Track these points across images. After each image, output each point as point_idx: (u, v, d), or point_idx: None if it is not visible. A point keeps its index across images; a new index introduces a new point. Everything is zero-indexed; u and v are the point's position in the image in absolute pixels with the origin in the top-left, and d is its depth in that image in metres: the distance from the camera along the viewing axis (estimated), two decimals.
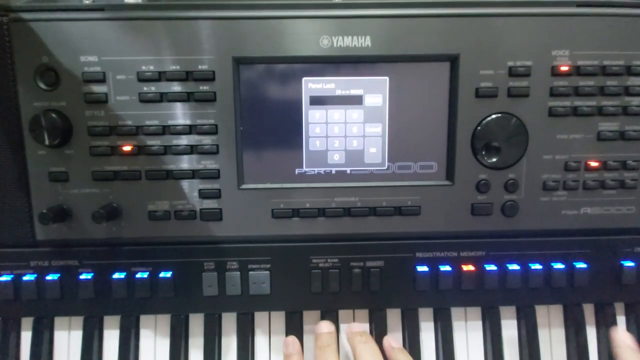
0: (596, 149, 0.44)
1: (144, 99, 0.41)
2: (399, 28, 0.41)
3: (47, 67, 0.41)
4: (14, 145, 0.42)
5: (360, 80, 0.43)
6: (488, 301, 0.47)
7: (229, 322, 0.47)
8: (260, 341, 0.47)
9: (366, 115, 0.44)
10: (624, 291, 0.47)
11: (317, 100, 0.43)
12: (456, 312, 0.48)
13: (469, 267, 0.45)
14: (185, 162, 0.43)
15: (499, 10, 0.42)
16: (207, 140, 0.42)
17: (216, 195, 0.43)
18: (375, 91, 0.43)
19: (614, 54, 0.42)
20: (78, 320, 0.46)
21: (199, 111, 0.42)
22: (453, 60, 0.42)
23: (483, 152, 0.43)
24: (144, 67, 0.41)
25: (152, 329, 0.47)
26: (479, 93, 0.42)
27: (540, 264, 0.46)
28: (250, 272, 0.45)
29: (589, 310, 0.48)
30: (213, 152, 0.43)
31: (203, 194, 0.43)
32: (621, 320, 0.48)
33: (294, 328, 0.46)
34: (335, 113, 0.43)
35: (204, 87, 0.41)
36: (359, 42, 0.41)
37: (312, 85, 0.43)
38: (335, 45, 0.41)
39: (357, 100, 0.43)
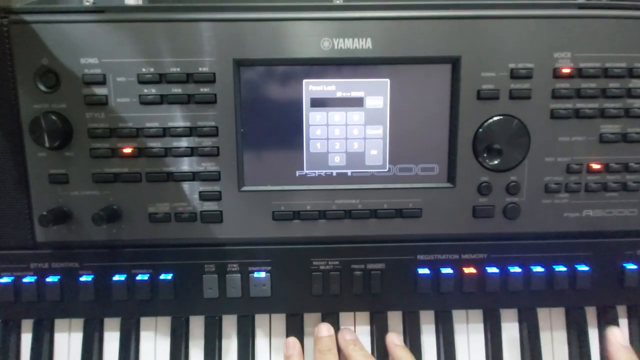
0: (598, 151, 0.43)
1: (145, 101, 0.41)
2: (400, 30, 0.41)
3: (47, 69, 0.41)
4: (14, 147, 0.42)
5: (361, 82, 0.43)
6: (489, 304, 0.47)
7: (230, 325, 0.47)
8: (261, 343, 0.47)
9: (367, 118, 0.43)
10: (626, 294, 0.46)
11: (318, 102, 0.43)
12: (457, 314, 0.47)
13: (470, 270, 0.45)
14: (186, 164, 0.43)
15: (501, 13, 0.41)
16: (207, 142, 0.42)
17: (217, 197, 0.43)
18: (376, 93, 0.43)
19: (616, 56, 0.42)
20: (78, 322, 0.46)
21: (199, 113, 0.42)
22: (454, 63, 0.42)
23: (485, 155, 0.43)
24: (144, 69, 0.41)
25: (153, 331, 0.47)
26: (480, 95, 0.42)
27: (542, 267, 0.45)
28: (251, 275, 0.45)
29: (591, 313, 0.48)
30: (213, 154, 0.42)
31: (203, 196, 0.43)
32: (623, 322, 0.48)
33: (295, 330, 0.46)
34: (336, 115, 0.43)
35: (205, 89, 0.41)
36: (360, 44, 0.41)
37: (312, 87, 0.43)
38: (336, 47, 0.41)
39: (358, 103, 0.43)
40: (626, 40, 0.42)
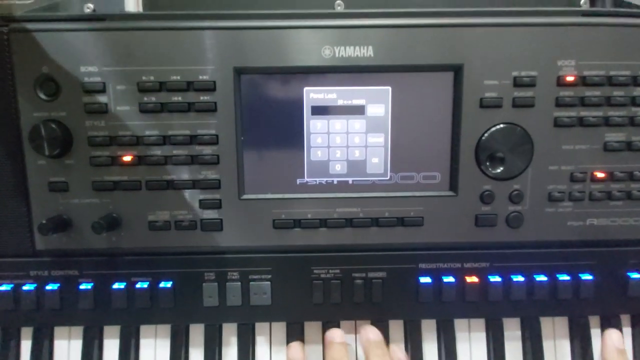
0: (602, 160, 0.43)
1: (145, 109, 0.41)
2: (402, 38, 0.41)
3: (47, 77, 0.41)
4: (14, 155, 0.42)
5: (362, 90, 0.42)
6: (492, 313, 0.46)
7: (230, 333, 0.46)
8: (261, 352, 0.47)
9: (368, 125, 0.43)
10: (630, 303, 0.46)
11: (319, 110, 0.43)
12: (459, 323, 0.47)
13: (472, 279, 0.45)
14: (186, 173, 0.42)
15: (504, 20, 0.41)
16: (207, 150, 0.42)
17: (217, 205, 0.43)
18: (377, 101, 0.43)
19: (620, 64, 0.42)
20: (78, 330, 0.46)
21: (199, 121, 0.42)
22: (457, 70, 0.42)
23: (487, 163, 0.43)
24: (144, 78, 0.41)
25: (152, 339, 0.46)
26: (483, 103, 0.42)
27: (546, 276, 0.45)
28: (251, 283, 0.44)
29: (594, 322, 0.47)
30: (214, 162, 0.42)
31: (204, 204, 0.43)
32: (627, 332, 0.48)
33: (295, 339, 0.46)
34: (337, 123, 0.43)
35: (205, 98, 0.41)
36: (361, 52, 0.41)
37: (313, 95, 0.42)
38: (337, 55, 0.41)
39: (359, 110, 0.43)
40: (631, 48, 0.42)
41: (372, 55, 0.41)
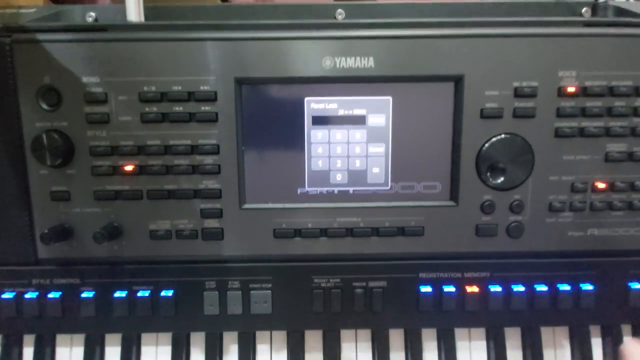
0: (603, 170, 0.43)
1: (146, 119, 0.41)
2: (402, 48, 0.41)
3: (49, 87, 0.41)
4: (16, 165, 0.42)
5: (363, 100, 0.43)
6: (492, 322, 0.46)
7: (231, 341, 0.47)
8: None
9: (369, 135, 0.43)
10: (631, 313, 0.46)
11: (320, 120, 0.43)
12: (460, 332, 0.47)
13: (473, 289, 0.45)
14: (187, 182, 0.42)
15: (504, 31, 0.41)
16: (208, 160, 0.42)
17: (218, 215, 0.43)
18: (378, 111, 0.43)
19: (621, 74, 0.42)
20: (79, 338, 0.46)
21: (200, 131, 0.42)
22: (457, 81, 0.42)
23: (488, 173, 0.43)
24: (145, 88, 0.41)
25: (154, 346, 0.47)
26: (483, 114, 0.42)
27: (546, 286, 0.45)
28: (252, 292, 0.45)
29: (595, 332, 0.47)
30: (215, 172, 0.42)
31: (205, 214, 0.43)
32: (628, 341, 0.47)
33: (296, 348, 0.46)
34: (338, 133, 0.43)
35: (206, 108, 0.41)
36: (362, 63, 0.41)
37: (314, 105, 0.43)
38: (338, 66, 0.41)
39: (360, 120, 0.43)
40: (632, 59, 0.41)
41: (372, 66, 0.41)
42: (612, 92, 0.42)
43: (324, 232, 0.44)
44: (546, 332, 0.47)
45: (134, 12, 0.46)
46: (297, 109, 0.42)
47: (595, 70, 0.41)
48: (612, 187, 0.43)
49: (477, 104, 0.42)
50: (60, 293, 0.44)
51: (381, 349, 0.46)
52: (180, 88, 0.41)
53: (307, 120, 0.43)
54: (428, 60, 0.41)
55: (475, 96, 0.41)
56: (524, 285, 0.45)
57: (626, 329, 0.47)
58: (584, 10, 0.52)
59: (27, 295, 0.44)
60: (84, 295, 0.44)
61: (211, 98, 0.41)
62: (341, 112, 0.43)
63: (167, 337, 0.46)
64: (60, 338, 0.46)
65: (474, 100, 0.42)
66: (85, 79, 0.41)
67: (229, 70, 0.41)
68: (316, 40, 0.41)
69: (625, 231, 0.44)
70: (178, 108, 0.41)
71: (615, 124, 0.42)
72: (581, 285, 0.45)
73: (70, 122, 0.41)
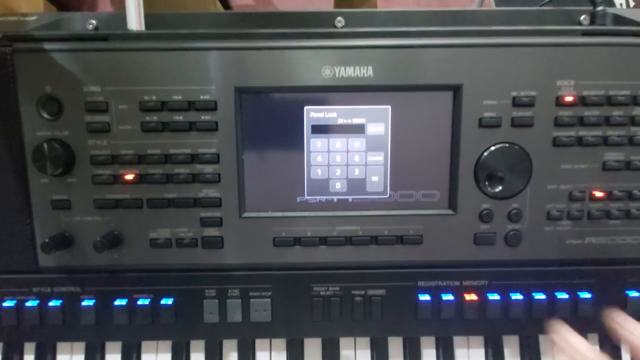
0: (601, 179, 0.43)
1: (147, 129, 0.41)
2: (401, 58, 0.41)
3: (50, 96, 0.41)
4: (17, 174, 0.42)
5: (362, 109, 0.43)
6: (491, 330, 0.46)
7: (230, 349, 0.47)
8: None
9: (368, 144, 0.43)
10: None
11: (319, 129, 0.43)
12: (458, 339, 0.47)
13: (471, 297, 0.45)
14: (187, 191, 0.43)
15: (503, 41, 0.41)
16: (209, 169, 0.42)
17: (218, 223, 0.43)
18: (377, 120, 0.43)
19: (619, 83, 0.42)
20: (80, 346, 0.46)
21: (201, 140, 0.42)
22: (456, 90, 0.42)
23: (486, 182, 0.43)
24: (146, 97, 0.41)
25: (154, 354, 0.47)
26: (482, 123, 0.42)
27: (544, 294, 0.45)
28: (252, 300, 0.45)
29: (593, 340, 0.47)
30: (215, 180, 0.43)
31: (204, 222, 0.43)
32: (626, 347, 0.48)
33: (295, 355, 0.46)
34: (337, 142, 0.43)
35: (206, 117, 0.42)
36: (361, 72, 0.41)
37: (313, 114, 0.43)
38: (337, 75, 0.41)
39: (359, 129, 0.43)
40: (630, 68, 0.42)
41: (371, 75, 0.41)
42: (609, 101, 0.42)
43: (323, 241, 0.44)
44: (545, 340, 0.47)
45: (135, 20, 0.47)
46: (297, 117, 0.43)
47: (593, 79, 0.42)
48: (609, 196, 0.43)
49: (476, 113, 0.42)
50: (60, 301, 0.44)
51: (380, 357, 0.46)
52: (180, 97, 0.41)
53: (307, 129, 0.43)
54: (426, 69, 0.41)
55: (473, 105, 0.42)
56: (522, 294, 0.45)
57: None
58: (582, 17, 0.52)
59: (28, 304, 0.44)
60: (84, 303, 0.44)
61: (211, 107, 0.41)
62: (340, 121, 0.43)
63: (167, 345, 0.46)
64: (60, 346, 0.46)
65: (472, 109, 0.42)
66: (86, 88, 0.41)
67: (229, 80, 0.41)
68: (316, 50, 0.41)
69: (622, 239, 0.44)
70: (178, 117, 0.42)
71: (613, 133, 0.42)
72: (579, 293, 0.45)
73: (71, 131, 0.41)
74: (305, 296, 0.45)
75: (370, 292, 0.45)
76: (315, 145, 0.43)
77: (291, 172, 0.43)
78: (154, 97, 0.41)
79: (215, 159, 0.42)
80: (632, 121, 0.42)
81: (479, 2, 1.50)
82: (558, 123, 0.42)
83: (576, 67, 0.41)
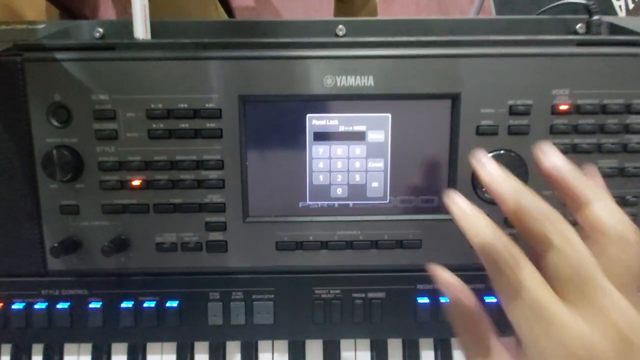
0: None
1: (153, 136, 0.43)
2: (401, 68, 0.42)
3: (59, 104, 0.42)
4: (27, 179, 0.43)
5: (363, 117, 0.44)
6: None
7: (234, 350, 0.48)
8: None
9: (369, 151, 0.44)
10: None
11: (321, 136, 0.44)
12: (456, 341, 0.48)
13: None
14: (192, 196, 0.44)
15: (500, 50, 0.42)
16: (213, 175, 0.44)
17: (222, 228, 0.44)
18: (377, 127, 0.44)
19: (614, 92, 0.43)
20: (87, 347, 0.47)
21: (205, 147, 0.43)
22: (454, 99, 0.43)
23: (483, 188, 0.44)
24: (153, 105, 0.42)
25: (159, 355, 0.48)
26: (479, 131, 0.43)
27: None
28: (255, 302, 0.46)
29: None
30: (219, 186, 0.44)
31: (209, 227, 0.44)
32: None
33: (297, 356, 0.47)
34: (339, 148, 0.44)
35: (211, 125, 0.43)
36: (362, 82, 0.42)
37: (315, 121, 0.44)
38: (339, 84, 0.42)
39: (360, 136, 0.44)
40: (624, 77, 0.43)
41: (372, 84, 0.43)
42: (604, 109, 0.43)
43: (324, 245, 0.45)
44: None
45: (141, 29, 0.48)
46: (299, 125, 0.44)
47: (588, 88, 0.43)
48: None
49: (473, 121, 0.43)
50: (68, 304, 0.45)
51: (380, 358, 0.48)
52: (186, 105, 0.42)
53: (309, 136, 0.44)
54: (426, 78, 0.42)
55: (471, 114, 0.43)
56: None
57: None
58: (578, 26, 0.54)
59: (37, 306, 0.45)
60: (91, 305, 0.45)
61: (216, 115, 0.43)
62: (342, 129, 0.44)
63: (172, 346, 0.47)
64: (68, 347, 0.47)
65: (470, 117, 0.43)
66: (94, 97, 0.42)
67: (233, 88, 0.42)
68: (318, 60, 0.42)
69: None
70: (184, 125, 0.43)
71: (607, 140, 0.44)
72: None
73: (80, 138, 0.43)
74: (307, 299, 0.46)
75: (371, 295, 0.46)
76: (317, 151, 0.44)
77: (293, 178, 0.45)
78: (160, 105, 0.42)
79: (220, 165, 0.43)
80: (626, 129, 0.44)
81: (478, 4, 1.51)
82: (553, 131, 0.43)
83: (571, 76, 0.43)
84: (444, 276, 0.34)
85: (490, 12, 1.52)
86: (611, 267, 0.26)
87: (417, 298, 0.46)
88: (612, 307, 0.25)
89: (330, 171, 0.45)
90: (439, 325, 0.46)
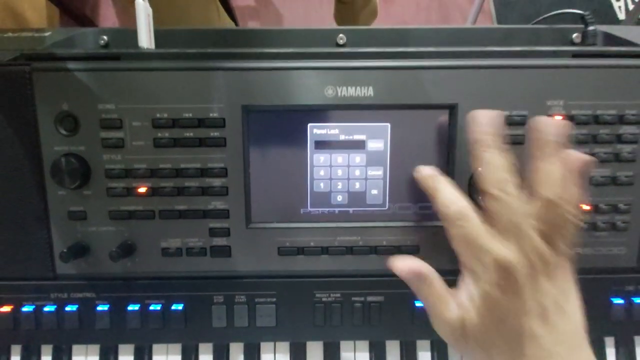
0: (589, 193, 0.46)
1: (159, 144, 0.44)
2: (400, 79, 0.43)
3: (67, 114, 0.43)
4: (36, 186, 0.44)
5: (363, 126, 0.45)
6: None
7: (237, 351, 0.49)
8: None
9: (368, 159, 0.46)
10: (613, 326, 0.49)
11: (322, 145, 0.45)
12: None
13: None
14: (197, 203, 0.45)
15: (496, 62, 0.44)
16: (217, 182, 0.45)
17: (225, 233, 0.46)
18: (377, 136, 0.45)
19: (607, 103, 0.44)
20: (95, 348, 0.49)
21: (209, 155, 0.44)
22: (452, 109, 0.44)
23: (479, 196, 0.45)
24: (158, 115, 0.43)
25: (164, 356, 0.49)
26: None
27: None
28: (257, 305, 0.47)
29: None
30: (223, 193, 0.45)
31: (213, 233, 0.46)
32: (611, 352, 0.50)
33: (298, 357, 0.49)
34: (339, 157, 0.46)
35: (215, 133, 0.44)
36: (362, 92, 0.44)
37: (317, 130, 0.45)
38: (339, 95, 0.43)
39: (360, 145, 0.45)
40: (617, 88, 0.44)
41: (372, 94, 0.44)
42: (597, 120, 0.44)
43: (325, 250, 0.46)
44: None
45: (146, 38, 0.49)
46: (301, 134, 0.45)
47: (582, 99, 0.44)
48: (596, 209, 0.46)
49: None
50: (77, 306, 0.47)
51: (378, 359, 0.49)
52: (190, 115, 0.44)
53: (310, 145, 0.45)
54: (424, 89, 0.44)
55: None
56: None
57: (609, 341, 0.50)
58: (574, 36, 0.55)
59: (46, 309, 0.47)
60: (99, 308, 0.47)
61: (220, 124, 0.44)
62: (342, 137, 0.45)
63: (177, 347, 0.49)
64: (76, 348, 0.49)
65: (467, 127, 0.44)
66: (101, 106, 0.43)
67: (237, 99, 0.43)
68: (319, 71, 0.43)
69: (608, 250, 0.47)
70: (189, 134, 0.44)
71: (600, 150, 0.45)
72: None
73: (87, 146, 0.44)
74: (308, 302, 0.48)
75: (370, 298, 0.48)
76: (318, 160, 0.46)
77: (295, 185, 0.46)
78: (165, 115, 0.43)
79: (224, 173, 0.45)
80: (619, 139, 0.45)
81: (478, 4, 1.51)
82: None
83: (566, 87, 0.44)
84: (398, 266, 0.41)
85: (490, 12, 1.52)
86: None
87: (415, 302, 0.48)
88: (527, 240, 0.35)
89: (330, 179, 0.46)
90: None
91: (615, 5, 1.43)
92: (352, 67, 0.43)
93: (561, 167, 0.36)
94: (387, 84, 0.43)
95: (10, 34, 0.52)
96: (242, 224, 0.46)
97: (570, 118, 0.44)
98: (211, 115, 0.44)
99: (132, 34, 0.49)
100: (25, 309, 0.47)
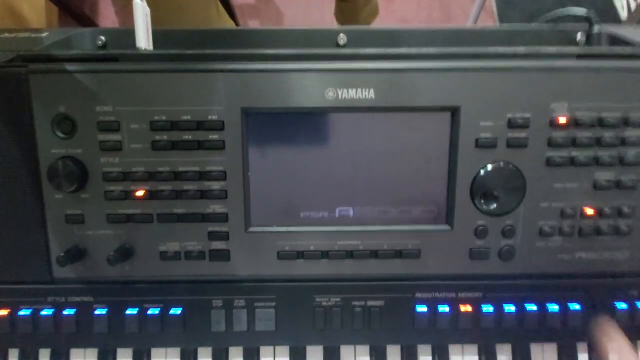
0: (592, 198, 0.45)
1: (157, 147, 0.43)
2: (402, 81, 0.43)
3: (64, 116, 0.43)
4: (33, 190, 0.44)
5: (363, 128, 0.44)
6: (485, 339, 0.49)
7: (236, 356, 0.49)
8: None
9: (369, 162, 0.45)
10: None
11: (322, 148, 0.45)
12: (453, 348, 0.49)
13: (466, 308, 0.47)
14: (196, 207, 0.45)
15: (499, 64, 0.43)
16: (216, 185, 0.44)
17: (225, 237, 0.45)
18: (378, 139, 0.45)
19: (611, 106, 0.43)
20: (93, 352, 0.49)
21: (208, 159, 0.44)
22: (454, 112, 0.43)
23: (482, 200, 0.45)
24: (156, 117, 0.43)
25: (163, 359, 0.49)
26: (478, 143, 0.44)
27: (536, 305, 0.47)
28: (257, 310, 0.47)
29: (582, 349, 0.50)
30: (222, 197, 0.44)
31: (212, 236, 0.45)
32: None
33: None
34: (340, 160, 0.45)
35: (214, 136, 0.43)
36: (363, 95, 0.43)
37: (317, 133, 0.44)
38: (340, 97, 0.43)
39: (360, 148, 0.45)
40: (622, 91, 0.43)
41: (373, 97, 0.43)
42: (601, 123, 0.44)
43: (325, 255, 0.46)
44: (536, 349, 0.49)
45: (144, 39, 0.48)
46: (301, 137, 0.44)
47: (586, 102, 0.43)
48: (600, 214, 0.45)
49: (473, 134, 0.44)
50: (74, 310, 0.46)
51: None
52: (189, 118, 0.43)
53: (310, 148, 0.45)
54: (426, 92, 0.43)
55: (470, 127, 0.43)
56: (515, 305, 0.47)
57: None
58: (579, 35, 0.54)
59: (44, 312, 0.46)
60: (97, 312, 0.46)
61: (219, 127, 0.43)
62: (343, 140, 0.45)
63: (176, 351, 0.49)
64: (74, 352, 0.48)
65: (469, 130, 0.43)
66: (99, 109, 0.43)
67: (236, 101, 0.43)
68: (319, 73, 0.43)
69: (611, 255, 0.46)
70: (187, 137, 0.43)
71: (604, 153, 0.44)
72: (569, 305, 0.47)
73: (85, 149, 0.43)
74: (308, 307, 0.47)
75: (370, 303, 0.47)
76: (319, 163, 0.45)
77: (295, 188, 0.45)
78: (164, 118, 0.43)
79: (223, 177, 0.44)
80: (623, 142, 0.44)
81: (480, 2, 1.50)
82: (551, 144, 0.44)
83: (570, 90, 0.43)
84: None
85: (492, 10, 1.51)
86: None
87: (416, 306, 0.47)
88: None
89: (331, 182, 0.45)
90: (437, 332, 0.48)
91: (618, 4, 1.42)
92: (353, 69, 0.43)
93: None
94: (388, 86, 0.43)
95: (7, 35, 0.52)
96: (241, 227, 0.45)
97: (574, 121, 0.43)
98: (210, 118, 0.43)
99: (130, 34, 0.49)
100: (22, 313, 0.46)
